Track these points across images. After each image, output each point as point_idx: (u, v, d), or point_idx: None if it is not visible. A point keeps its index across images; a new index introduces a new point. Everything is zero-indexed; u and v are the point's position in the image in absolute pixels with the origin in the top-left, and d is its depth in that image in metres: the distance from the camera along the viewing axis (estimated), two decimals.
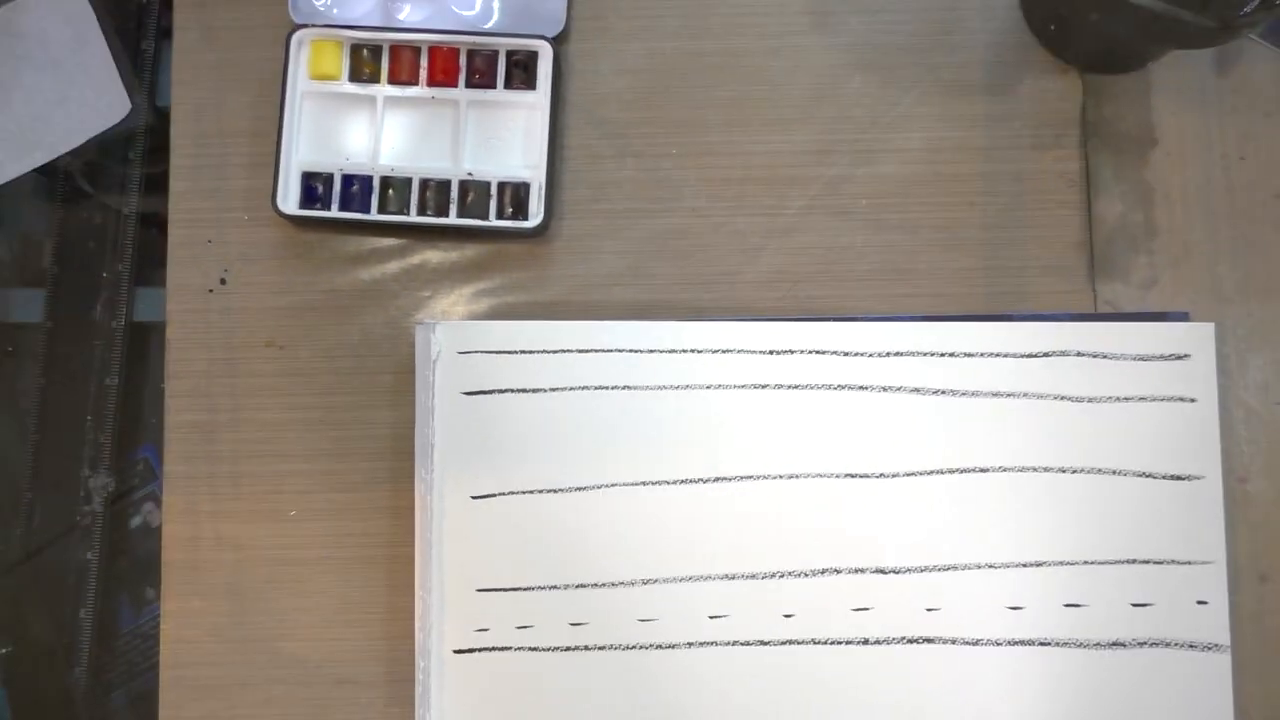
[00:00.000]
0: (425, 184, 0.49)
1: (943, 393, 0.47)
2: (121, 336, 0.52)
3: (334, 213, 0.49)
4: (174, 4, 0.52)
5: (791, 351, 0.47)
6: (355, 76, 0.50)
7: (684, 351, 0.47)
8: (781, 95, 0.51)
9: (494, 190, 0.49)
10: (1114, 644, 0.46)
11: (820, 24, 0.51)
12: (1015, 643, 0.46)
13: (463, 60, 0.50)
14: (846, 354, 0.47)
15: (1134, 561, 0.46)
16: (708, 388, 0.47)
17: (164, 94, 0.53)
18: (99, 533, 0.52)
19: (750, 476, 0.47)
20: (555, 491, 0.47)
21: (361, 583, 0.49)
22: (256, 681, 0.48)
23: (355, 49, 0.50)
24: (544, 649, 0.46)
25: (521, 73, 0.50)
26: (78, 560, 0.51)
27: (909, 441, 0.47)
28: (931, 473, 0.47)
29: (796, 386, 0.47)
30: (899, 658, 0.46)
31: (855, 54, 0.51)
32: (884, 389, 0.47)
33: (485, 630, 0.46)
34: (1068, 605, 0.46)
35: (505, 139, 0.50)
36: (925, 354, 0.47)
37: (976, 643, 0.46)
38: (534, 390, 0.47)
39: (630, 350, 0.47)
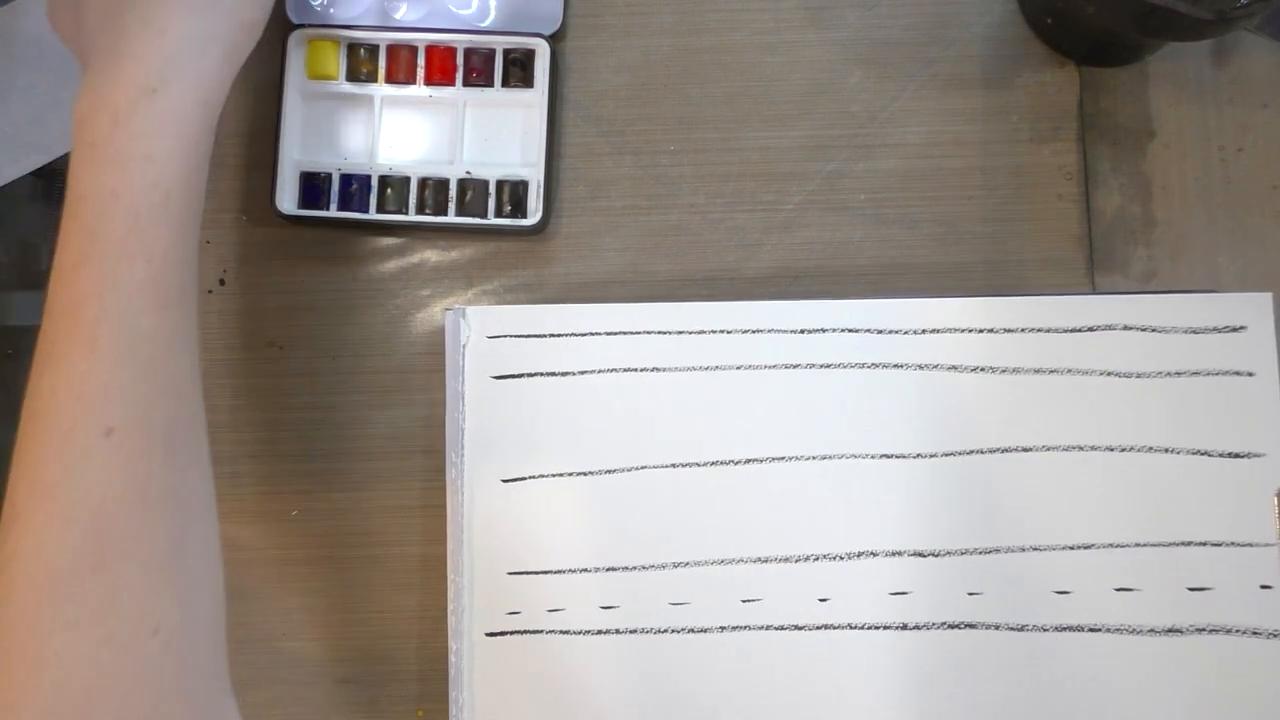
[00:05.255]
0: (424, 183, 0.49)
1: (982, 370, 0.46)
2: None
3: (333, 212, 0.49)
4: None
5: (824, 330, 0.46)
6: (352, 76, 0.50)
7: (713, 332, 0.47)
8: (778, 91, 0.51)
9: (492, 189, 0.49)
10: (1170, 630, 0.45)
11: (816, 19, 0.51)
12: (1063, 628, 0.45)
13: (460, 59, 0.50)
14: (880, 331, 0.46)
15: (1189, 544, 0.45)
16: (738, 368, 0.47)
17: None
18: None
19: (783, 458, 0.46)
20: (586, 474, 0.46)
21: (363, 582, 0.49)
22: (259, 682, 0.48)
23: (352, 48, 0.50)
24: (575, 632, 0.46)
25: (519, 71, 0.50)
26: None
27: (947, 421, 0.46)
28: (971, 452, 0.46)
29: (829, 366, 0.46)
30: (939, 643, 0.45)
31: (852, 49, 0.51)
32: (920, 367, 0.46)
33: (517, 613, 0.46)
34: (1119, 589, 0.45)
35: (503, 137, 0.50)
36: (963, 330, 0.46)
37: (1022, 628, 0.45)
38: (563, 374, 0.47)
39: (659, 332, 0.47)
